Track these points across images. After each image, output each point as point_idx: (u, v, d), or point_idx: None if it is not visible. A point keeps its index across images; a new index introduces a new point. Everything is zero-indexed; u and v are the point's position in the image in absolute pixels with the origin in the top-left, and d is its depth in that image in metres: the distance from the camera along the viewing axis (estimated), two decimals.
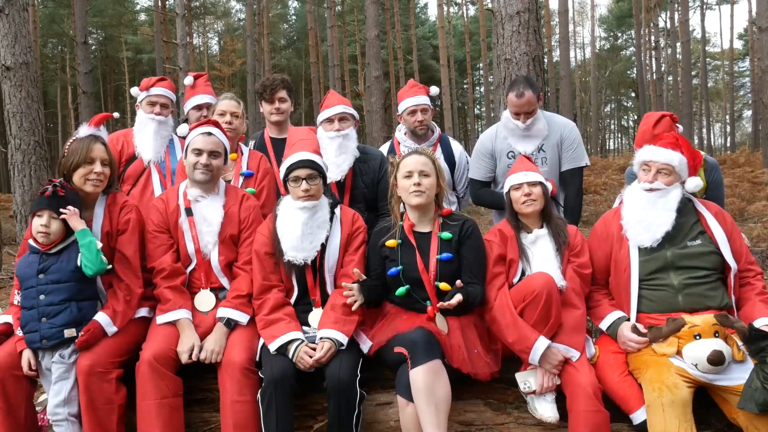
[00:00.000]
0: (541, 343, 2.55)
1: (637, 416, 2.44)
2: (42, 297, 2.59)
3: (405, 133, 4.00)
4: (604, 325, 2.75)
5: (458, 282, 2.63)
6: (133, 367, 2.62)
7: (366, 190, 3.47)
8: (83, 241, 2.60)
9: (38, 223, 2.62)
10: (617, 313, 2.73)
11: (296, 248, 2.75)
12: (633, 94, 44.03)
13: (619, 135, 55.47)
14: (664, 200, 2.70)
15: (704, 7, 36.64)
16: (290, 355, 2.59)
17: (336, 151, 3.35)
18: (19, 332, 2.67)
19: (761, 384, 2.22)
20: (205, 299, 2.89)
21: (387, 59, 28.46)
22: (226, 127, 3.22)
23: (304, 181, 2.78)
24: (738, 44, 40.62)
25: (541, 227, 2.86)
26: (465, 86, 39.76)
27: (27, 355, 2.61)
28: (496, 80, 5.49)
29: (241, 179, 3.31)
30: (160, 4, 24.97)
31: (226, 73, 34.69)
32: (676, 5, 24.74)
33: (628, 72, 42.29)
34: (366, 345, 2.72)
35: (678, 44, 24.62)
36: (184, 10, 15.98)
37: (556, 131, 3.61)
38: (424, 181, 2.73)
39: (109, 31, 35.56)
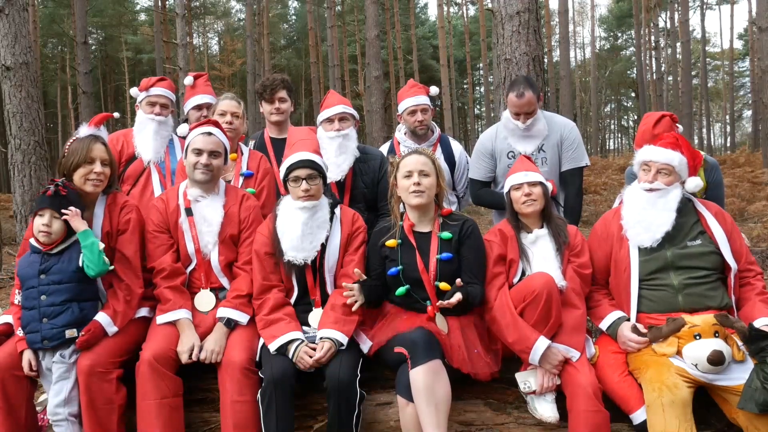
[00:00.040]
0: (541, 343, 2.55)
1: (637, 416, 2.44)
2: (43, 297, 2.59)
3: (405, 133, 4.00)
4: (604, 325, 2.75)
5: (458, 281, 2.63)
6: (133, 367, 2.62)
7: (366, 190, 3.46)
8: (86, 242, 2.60)
9: (40, 222, 2.61)
10: (617, 313, 2.73)
11: (296, 248, 2.75)
12: (633, 94, 44.02)
13: (619, 135, 55.49)
14: (664, 200, 2.70)
15: (704, 7, 36.67)
16: (290, 355, 2.59)
17: (336, 151, 3.35)
18: (19, 332, 2.67)
19: (761, 384, 2.22)
20: (205, 299, 2.89)
21: (387, 59, 28.46)
22: (227, 127, 3.22)
23: (304, 181, 2.78)
24: (738, 44, 40.66)
25: (542, 227, 2.86)
26: (465, 86, 39.75)
27: (28, 355, 2.61)
28: (496, 80, 5.49)
29: (241, 179, 3.31)
30: (160, 4, 24.96)
31: (226, 73, 34.68)
32: (676, 5, 24.74)
33: (628, 72, 42.28)
34: (366, 345, 2.71)
35: (678, 44, 24.62)
36: (184, 10, 15.98)
37: (556, 131, 3.61)
38: (424, 181, 2.73)
39: (109, 31, 35.56)
